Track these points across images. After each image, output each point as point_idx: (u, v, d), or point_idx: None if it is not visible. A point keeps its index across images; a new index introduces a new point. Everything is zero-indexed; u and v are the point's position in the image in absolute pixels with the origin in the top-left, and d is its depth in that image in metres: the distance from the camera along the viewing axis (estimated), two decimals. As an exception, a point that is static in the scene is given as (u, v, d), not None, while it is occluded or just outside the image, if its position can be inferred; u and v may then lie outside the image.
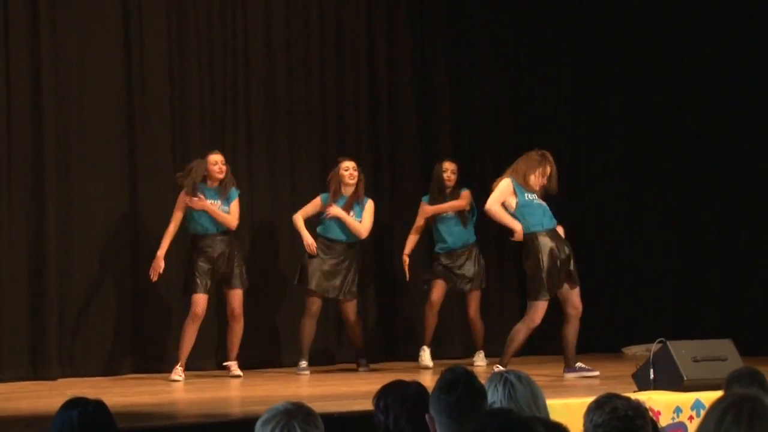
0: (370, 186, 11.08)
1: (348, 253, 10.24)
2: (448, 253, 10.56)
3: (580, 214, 12.07)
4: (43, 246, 9.96)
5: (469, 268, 10.53)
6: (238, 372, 9.90)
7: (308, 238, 10.14)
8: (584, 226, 12.06)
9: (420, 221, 10.68)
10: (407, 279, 10.64)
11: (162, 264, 9.72)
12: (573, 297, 9.40)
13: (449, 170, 10.57)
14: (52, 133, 10.04)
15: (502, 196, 9.45)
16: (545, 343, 11.01)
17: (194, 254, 9.77)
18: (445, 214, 10.58)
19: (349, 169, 10.20)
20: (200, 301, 9.69)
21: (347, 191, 10.22)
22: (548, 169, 9.49)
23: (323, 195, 10.30)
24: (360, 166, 10.47)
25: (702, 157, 12.14)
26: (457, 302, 11.09)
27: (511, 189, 9.44)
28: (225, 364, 9.99)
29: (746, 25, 11.89)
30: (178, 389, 9.28)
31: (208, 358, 10.39)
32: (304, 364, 10.07)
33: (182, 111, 10.65)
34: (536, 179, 9.43)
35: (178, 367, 9.66)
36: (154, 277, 9.75)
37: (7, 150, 9.92)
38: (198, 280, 9.68)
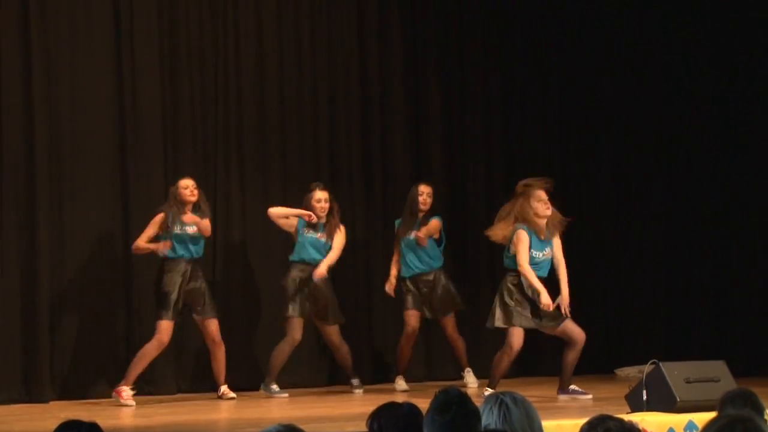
0: (362, 206, 11.11)
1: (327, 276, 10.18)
2: (415, 277, 10.47)
3: (570, 234, 12.06)
4: (35, 267, 9.95)
5: (436, 295, 10.41)
6: (232, 394, 9.89)
7: (301, 211, 10.07)
8: (574, 246, 12.05)
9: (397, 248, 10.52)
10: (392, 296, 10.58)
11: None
12: (571, 327, 9.38)
13: (425, 193, 10.42)
14: (43, 149, 10.03)
15: (526, 251, 9.34)
16: (537, 364, 11.01)
17: (165, 278, 9.74)
18: (411, 238, 10.43)
19: (320, 201, 10.13)
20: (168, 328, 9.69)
21: (321, 218, 10.15)
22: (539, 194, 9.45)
23: (300, 220, 10.19)
24: (351, 186, 10.46)
25: (693, 177, 12.17)
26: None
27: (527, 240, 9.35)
28: (219, 392, 9.94)
29: (739, 38, 11.93)
30: (171, 412, 9.25)
31: (202, 381, 10.38)
32: (275, 387, 10.03)
33: (174, 127, 10.65)
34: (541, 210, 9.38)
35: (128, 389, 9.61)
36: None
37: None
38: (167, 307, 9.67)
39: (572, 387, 9.47)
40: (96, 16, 10.36)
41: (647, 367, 8.01)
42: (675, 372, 7.96)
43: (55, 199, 10.12)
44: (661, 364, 8.00)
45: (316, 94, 11.26)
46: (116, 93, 10.40)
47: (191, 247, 9.78)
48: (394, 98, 11.61)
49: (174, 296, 9.65)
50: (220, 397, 9.88)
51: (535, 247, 9.33)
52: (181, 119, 10.70)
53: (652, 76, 12.27)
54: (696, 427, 7.43)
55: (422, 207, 10.42)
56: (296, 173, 11.10)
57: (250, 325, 10.73)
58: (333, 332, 10.17)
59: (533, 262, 9.30)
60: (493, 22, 12.06)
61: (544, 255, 9.38)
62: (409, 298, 10.40)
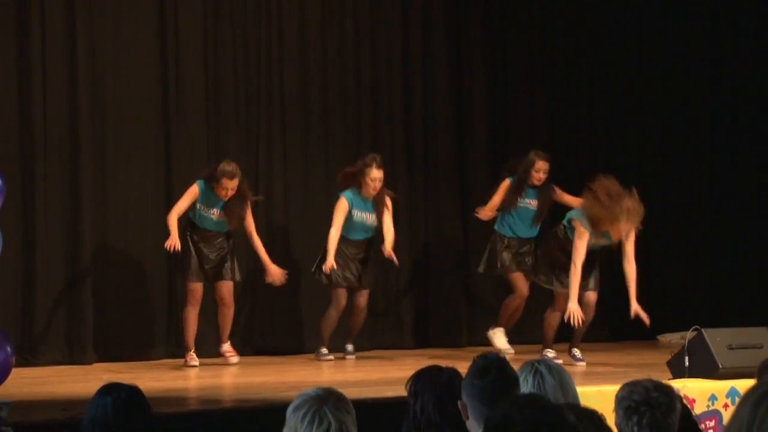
0: (405, 182, 11.10)
1: (367, 247, 10.17)
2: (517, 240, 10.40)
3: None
4: (79, 233, 10.03)
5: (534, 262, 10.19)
6: (234, 359, 9.81)
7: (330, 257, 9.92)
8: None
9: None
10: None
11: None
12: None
13: (541, 171, 10.18)
14: (87, 128, 10.08)
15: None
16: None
17: (191, 243, 9.66)
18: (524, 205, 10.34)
19: (376, 180, 9.98)
20: (199, 288, 9.66)
21: (368, 196, 10.07)
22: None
23: (347, 194, 10.08)
24: (394, 162, 10.46)
25: (741, 138, 12.11)
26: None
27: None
28: (221, 349, 9.87)
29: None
30: (209, 375, 9.30)
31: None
32: (325, 351, 10.08)
33: (217, 104, 10.66)
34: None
35: (192, 353, 9.66)
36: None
37: (44, 145, 9.96)
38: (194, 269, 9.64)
39: (574, 351, 9.50)
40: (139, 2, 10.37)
41: (689, 334, 7.97)
42: (717, 338, 7.92)
43: (99, 171, 10.16)
44: (703, 330, 7.96)
45: (359, 76, 11.19)
46: (159, 67, 10.39)
47: (215, 223, 9.70)
48: (438, 83, 11.54)
49: (194, 260, 9.62)
50: (222, 355, 9.84)
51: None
52: (224, 99, 10.69)
53: (702, 57, 12.17)
54: (738, 394, 7.39)
55: (535, 182, 10.22)
56: (338, 153, 11.04)
57: (293, 290, 10.76)
58: (362, 295, 10.19)
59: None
60: (539, 6, 11.98)
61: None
62: (508, 258, 10.31)
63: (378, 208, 10.05)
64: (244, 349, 10.36)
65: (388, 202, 10.11)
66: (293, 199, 10.96)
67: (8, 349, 7.02)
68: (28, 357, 9.73)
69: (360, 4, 11.26)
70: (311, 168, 11.03)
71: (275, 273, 9.85)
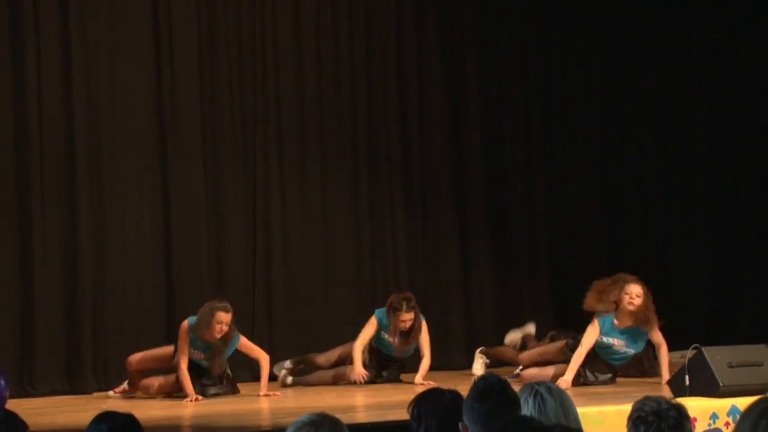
0: (401, 196, 11.12)
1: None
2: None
3: (613, 222, 12.05)
4: (77, 260, 10.01)
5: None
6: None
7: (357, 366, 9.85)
8: (618, 233, 12.04)
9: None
10: None
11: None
12: None
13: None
14: (84, 146, 10.08)
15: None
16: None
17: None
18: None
19: (405, 322, 9.89)
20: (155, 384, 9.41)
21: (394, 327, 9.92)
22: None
23: (378, 315, 9.97)
24: (390, 180, 10.50)
25: (735, 158, 12.10)
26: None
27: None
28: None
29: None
30: (206, 403, 9.21)
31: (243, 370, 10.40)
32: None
33: (213, 125, 10.66)
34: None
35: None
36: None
37: (40, 164, 9.95)
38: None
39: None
40: (134, 3, 10.36)
41: (689, 352, 7.95)
42: (717, 357, 7.90)
43: (95, 191, 10.15)
44: (703, 348, 7.95)
45: (354, 88, 11.20)
46: (155, 87, 10.40)
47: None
48: (432, 88, 11.55)
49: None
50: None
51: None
52: (219, 114, 10.69)
53: (695, 46, 12.16)
54: (739, 412, 7.33)
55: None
56: (335, 167, 11.07)
57: (287, 307, 10.74)
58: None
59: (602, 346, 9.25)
60: (531, 9, 11.99)
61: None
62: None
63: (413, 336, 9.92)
64: (243, 375, 10.33)
65: (424, 327, 9.96)
66: (290, 215, 10.90)
67: (1, 381, 6.98)
68: (27, 388, 9.70)
69: (354, 20, 11.23)
70: (308, 182, 10.99)
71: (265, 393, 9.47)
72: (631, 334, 9.24)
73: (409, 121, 11.45)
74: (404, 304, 9.82)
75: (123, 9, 10.31)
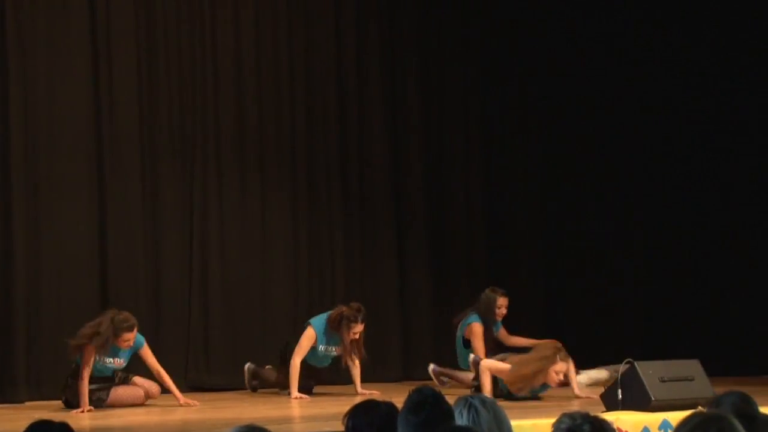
0: (340, 216, 11.13)
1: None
2: None
3: (553, 236, 12.14)
4: (12, 274, 9.94)
5: None
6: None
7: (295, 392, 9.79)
8: (556, 248, 12.13)
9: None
10: None
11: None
12: None
13: (503, 306, 10.38)
14: (19, 161, 10.02)
15: None
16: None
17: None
18: None
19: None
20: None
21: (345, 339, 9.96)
22: None
23: (316, 327, 9.99)
24: (329, 196, 10.50)
25: (673, 182, 12.20)
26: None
27: None
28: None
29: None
30: (145, 413, 9.21)
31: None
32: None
33: (151, 142, 10.63)
34: None
35: None
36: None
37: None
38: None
39: None
40: (73, 19, 10.31)
41: (622, 367, 8.02)
42: (649, 371, 7.98)
43: (31, 206, 10.10)
44: (635, 363, 8.02)
45: (294, 103, 11.23)
46: (93, 107, 10.36)
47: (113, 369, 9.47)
48: (373, 103, 11.59)
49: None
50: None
51: None
52: (158, 128, 10.67)
53: (637, 71, 12.26)
54: (670, 426, 7.45)
55: (497, 319, 10.43)
56: (274, 185, 11.10)
57: (226, 326, 10.71)
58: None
59: None
60: (473, 26, 12.06)
61: None
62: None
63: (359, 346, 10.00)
64: (180, 386, 10.29)
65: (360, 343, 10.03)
66: (228, 232, 10.90)
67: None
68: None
69: (295, 42, 11.26)
70: (247, 201, 11.00)
71: (185, 401, 9.43)
72: None
73: (348, 140, 11.50)
74: (359, 315, 9.88)
75: (61, 24, 10.27)
